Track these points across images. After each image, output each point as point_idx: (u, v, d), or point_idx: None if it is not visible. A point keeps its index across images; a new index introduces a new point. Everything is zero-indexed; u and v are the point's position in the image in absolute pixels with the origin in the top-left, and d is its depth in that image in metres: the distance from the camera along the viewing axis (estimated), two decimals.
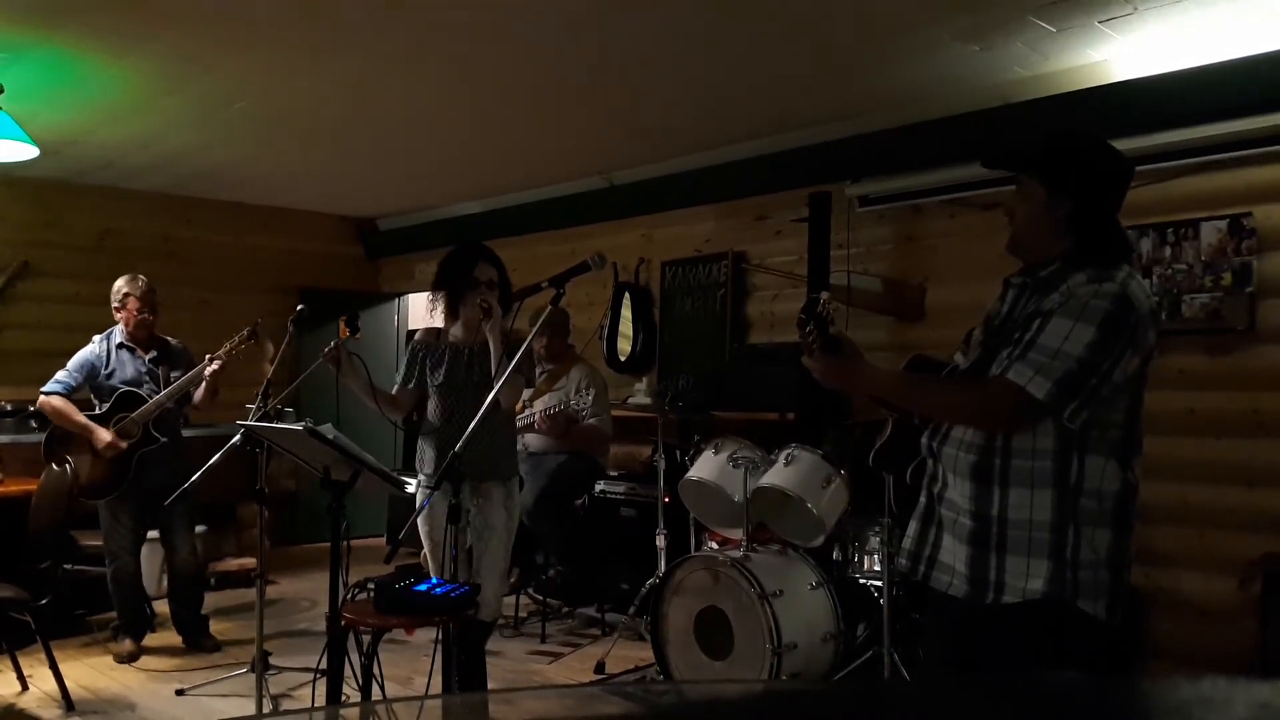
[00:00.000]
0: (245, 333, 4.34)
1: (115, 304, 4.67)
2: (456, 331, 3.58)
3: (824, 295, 2.19)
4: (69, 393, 4.53)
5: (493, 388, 3.17)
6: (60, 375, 4.55)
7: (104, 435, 4.44)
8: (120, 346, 4.64)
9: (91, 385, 4.58)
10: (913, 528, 2.21)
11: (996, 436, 2.03)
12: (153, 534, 4.80)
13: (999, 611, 2.00)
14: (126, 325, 4.65)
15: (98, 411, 4.55)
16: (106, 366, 4.60)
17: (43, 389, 4.55)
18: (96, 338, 4.69)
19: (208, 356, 4.38)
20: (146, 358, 4.66)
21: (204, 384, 4.42)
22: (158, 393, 4.52)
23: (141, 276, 4.72)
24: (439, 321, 3.63)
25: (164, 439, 4.53)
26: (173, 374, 4.59)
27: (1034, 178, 2.10)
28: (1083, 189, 2.06)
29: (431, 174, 6.38)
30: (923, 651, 2.64)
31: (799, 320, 2.17)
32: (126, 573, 4.63)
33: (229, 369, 4.43)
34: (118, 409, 4.52)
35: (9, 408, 6.12)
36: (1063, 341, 1.93)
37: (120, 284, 4.68)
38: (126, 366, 4.62)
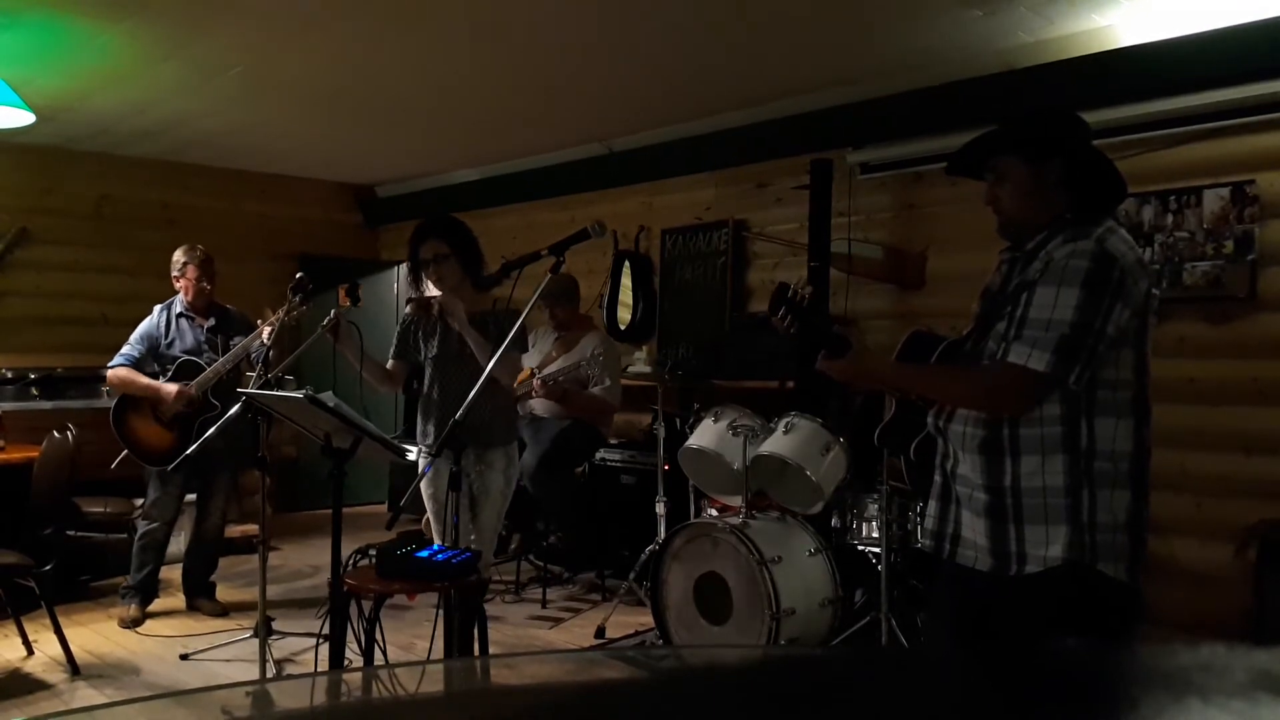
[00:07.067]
0: (296, 298, 4.02)
1: (175, 274, 4.73)
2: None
3: (796, 281, 2.21)
4: (133, 365, 4.60)
5: (467, 352, 3.19)
6: (124, 349, 4.63)
7: (170, 388, 4.51)
8: (180, 316, 4.71)
9: (153, 355, 4.65)
10: (933, 507, 2.21)
11: None
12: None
13: (1023, 582, 2.00)
14: (185, 294, 4.71)
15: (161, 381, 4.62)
16: (166, 336, 4.67)
17: (108, 364, 4.63)
18: (156, 308, 4.75)
19: (259, 321, 4.39)
20: (205, 326, 4.72)
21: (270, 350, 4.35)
22: (216, 360, 4.57)
23: (199, 246, 4.78)
24: (431, 291, 3.62)
25: (222, 405, 4.53)
26: (232, 340, 4.63)
27: (1010, 156, 2.10)
28: (1065, 141, 2.09)
29: (430, 141, 6.34)
30: (931, 623, 2.65)
31: (770, 306, 2.19)
32: (156, 539, 4.70)
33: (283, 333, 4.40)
34: (178, 377, 4.58)
35: (10, 375, 6.14)
36: (1051, 310, 1.94)
37: (178, 254, 4.74)
38: (186, 335, 4.68)
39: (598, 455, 5.46)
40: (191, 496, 4.87)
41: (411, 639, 4.30)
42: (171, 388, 4.52)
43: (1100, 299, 1.92)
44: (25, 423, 5.62)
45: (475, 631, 3.25)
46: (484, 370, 3.06)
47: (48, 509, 4.11)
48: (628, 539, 5.15)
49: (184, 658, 4.13)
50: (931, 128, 4.72)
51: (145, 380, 4.57)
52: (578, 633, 4.58)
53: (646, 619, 4.27)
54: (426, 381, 3.57)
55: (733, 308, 5.80)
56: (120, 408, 4.61)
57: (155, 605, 4.79)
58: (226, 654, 4.18)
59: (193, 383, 4.53)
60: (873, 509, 4.10)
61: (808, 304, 2.17)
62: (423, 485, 3.49)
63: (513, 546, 5.57)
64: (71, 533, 4.91)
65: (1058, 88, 4.15)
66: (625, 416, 5.90)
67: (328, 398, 2.86)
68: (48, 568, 3.92)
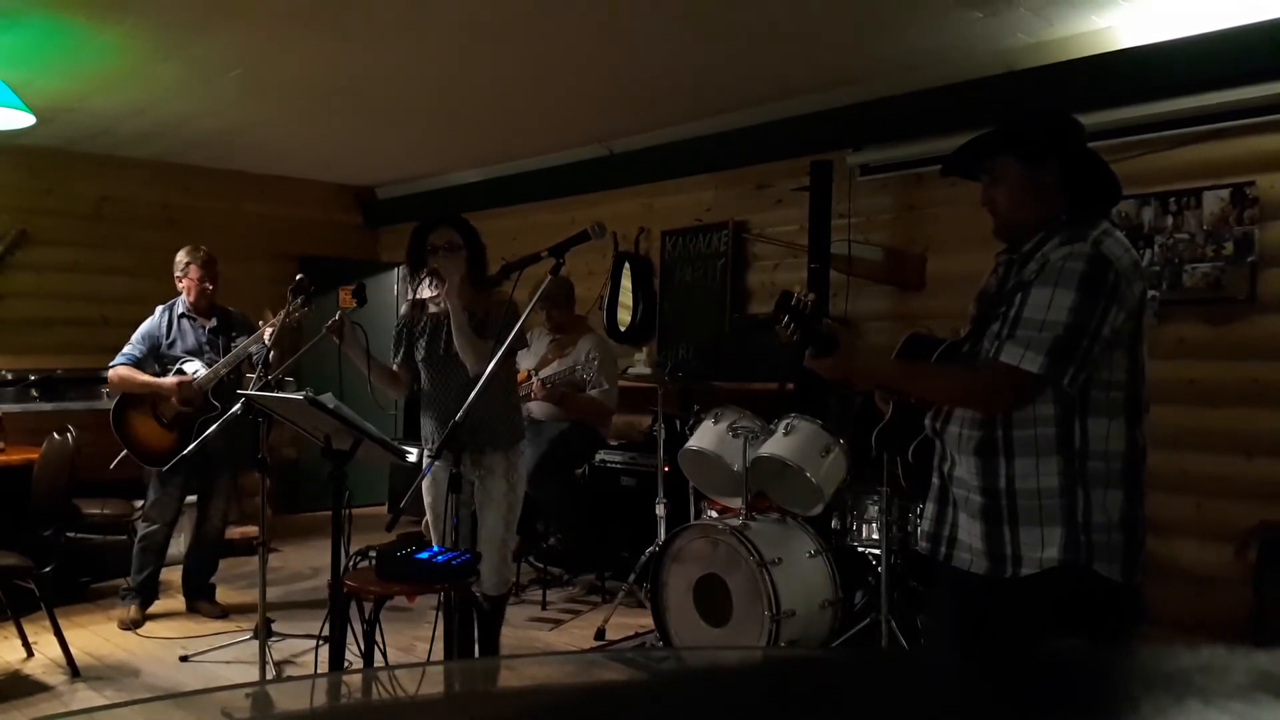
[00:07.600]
0: (296, 300, 3.89)
1: (178, 274, 4.74)
2: (438, 302, 3.56)
3: (797, 289, 2.21)
4: (134, 364, 4.60)
5: (457, 353, 3.19)
6: (125, 348, 4.64)
7: (169, 382, 4.51)
8: (182, 316, 4.71)
9: (154, 355, 4.65)
10: (930, 509, 2.21)
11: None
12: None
13: (1019, 585, 2.00)
14: (188, 295, 4.72)
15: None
16: (168, 336, 4.67)
17: (110, 364, 4.63)
18: (159, 308, 4.76)
19: (260, 323, 4.40)
20: (207, 326, 4.72)
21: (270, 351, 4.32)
22: (218, 360, 4.57)
23: (203, 246, 4.79)
24: (425, 293, 3.61)
25: (222, 406, 4.51)
26: (233, 341, 4.63)
27: (1005, 157, 2.10)
28: (1063, 141, 2.09)
29: (430, 142, 6.34)
30: (930, 626, 2.65)
31: (774, 315, 2.19)
32: (156, 541, 4.70)
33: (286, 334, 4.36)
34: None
35: (9, 376, 6.14)
36: (1046, 311, 1.94)
37: (181, 255, 4.75)
38: (188, 336, 4.69)
39: (598, 457, 5.46)
40: (192, 498, 4.87)
41: (411, 640, 4.30)
42: (172, 380, 4.52)
43: (1095, 301, 1.93)
44: (25, 424, 5.63)
45: (476, 634, 3.25)
46: (474, 368, 3.05)
47: (48, 510, 4.11)
48: (628, 541, 5.15)
49: (184, 659, 4.13)
50: (932, 129, 4.71)
51: (145, 377, 4.57)
52: (577, 634, 4.58)
53: (646, 621, 4.27)
54: (423, 383, 3.58)
55: (733, 309, 5.80)
56: (120, 407, 4.61)
57: (155, 607, 4.79)
58: (226, 656, 4.18)
59: (193, 382, 4.51)
60: (873, 511, 4.11)
61: (811, 311, 2.17)
62: (424, 493, 3.48)
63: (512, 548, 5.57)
64: (71, 534, 4.91)
65: (1058, 89, 4.15)
66: (625, 418, 5.90)
67: (328, 399, 2.86)
68: (47, 569, 3.92)
